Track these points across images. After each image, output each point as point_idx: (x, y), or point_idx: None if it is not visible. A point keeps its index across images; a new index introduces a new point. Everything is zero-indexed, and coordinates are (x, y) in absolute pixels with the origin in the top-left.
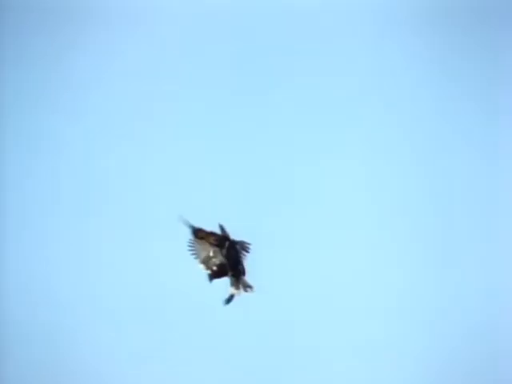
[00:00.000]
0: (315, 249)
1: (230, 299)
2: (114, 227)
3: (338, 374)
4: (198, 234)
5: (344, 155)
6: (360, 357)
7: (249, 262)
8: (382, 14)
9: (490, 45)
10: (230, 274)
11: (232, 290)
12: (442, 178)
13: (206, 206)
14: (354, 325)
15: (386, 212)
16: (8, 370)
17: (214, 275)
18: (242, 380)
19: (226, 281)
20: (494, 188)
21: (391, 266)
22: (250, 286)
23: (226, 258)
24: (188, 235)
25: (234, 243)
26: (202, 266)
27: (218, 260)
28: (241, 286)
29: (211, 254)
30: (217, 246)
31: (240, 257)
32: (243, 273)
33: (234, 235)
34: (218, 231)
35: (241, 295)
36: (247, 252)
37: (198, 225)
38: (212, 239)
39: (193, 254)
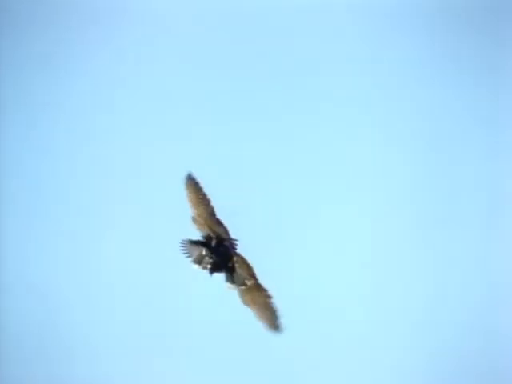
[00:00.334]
0: (315, 249)
1: (212, 269)
2: (114, 227)
3: (339, 374)
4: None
5: (345, 155)
6: (360, 358)
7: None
8: (382, 14)
9: (491, 44)
10: (223, 270)
11: (228, 285)
12: (443, 177)
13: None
14: (355, 324)
15: (387, 212)
16: (3, 370)
17: (213, 270)
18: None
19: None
20: (496, 189)
21: (392, 266)
22: (247, 278)
23: (216, 255)
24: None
25: (222, 240)
26: (196, 266)
27: (210, 258)
28: (236, 280)
29: (204, 252)
30: (206, 244)
31: (230, 253)
32: (234, 268)
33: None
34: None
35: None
36: (235, 249)
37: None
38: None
39: (185, 254)
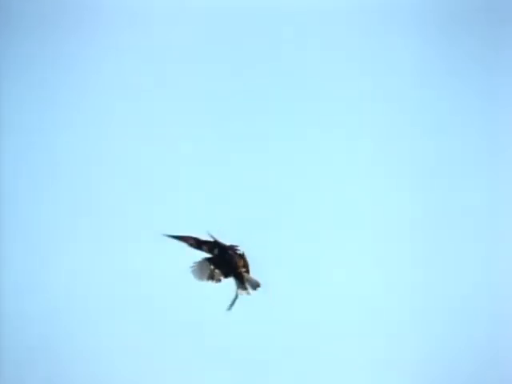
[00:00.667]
0: (316, 248)
1: (233, 303)
2: (112, 228)
3: (340, 375)
4: (189, 241)
5: (346, 155)
6: (363, 361)
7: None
8: (383, 14)
9: (491, 43)
10: (232, 277)
11: (240, 292)
12: (444, 173)
13: (202, 210)
14: (357, 326)
15: (386, 213)
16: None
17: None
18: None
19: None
20: (495, 190)
21: (392, 265)
22: (257, 284)
23: (222, 263)
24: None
25: (224, 248)
26: (210, 282)
27: (220, 270)
28: (247, 285)
29: (212, 267)
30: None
31: (235, 261)
32: (243, 275)
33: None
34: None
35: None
36: (239, 253)
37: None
38: (205, 247)
39: (196, 276)
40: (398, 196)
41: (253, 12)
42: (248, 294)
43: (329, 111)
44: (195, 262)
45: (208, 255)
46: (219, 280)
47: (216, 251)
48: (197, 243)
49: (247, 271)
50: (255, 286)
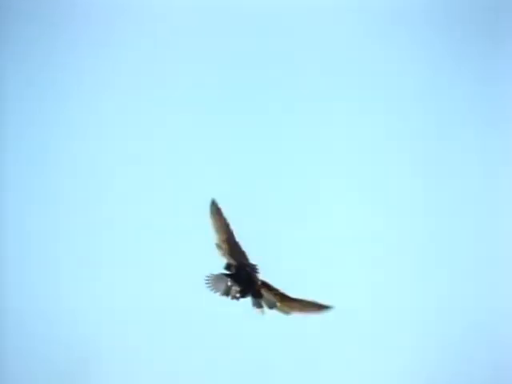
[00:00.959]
0: (317, 245)
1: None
2: (118, 231)
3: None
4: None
5: (345, 152)
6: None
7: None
8: (383, 14)
9: (494, 44)
10: (249, 296)
11: (256, 311)
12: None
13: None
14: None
15: (386, 209)
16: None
17: (240, 298)
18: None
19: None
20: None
21: (392, 262)
22: (275, 303)
23: (238, 281)
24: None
25: (242, 266)
26: (226, 297)
27: (237, 286)
28: (264, 304)
29: (229, 283)
30: (230, 274)
31: (253, 278)
32: (261, 293)
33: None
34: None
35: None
36: (257, 273)
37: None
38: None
39: (212, 290)
40: (399, 192)
41: (253, 12)
42: (262, 313)
43: (329, 107)
44: (211, 274)
45: (226, 271)
46: (235, 297)
47: (233, 269)
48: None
49: (266, 289)
50: (272, 305)
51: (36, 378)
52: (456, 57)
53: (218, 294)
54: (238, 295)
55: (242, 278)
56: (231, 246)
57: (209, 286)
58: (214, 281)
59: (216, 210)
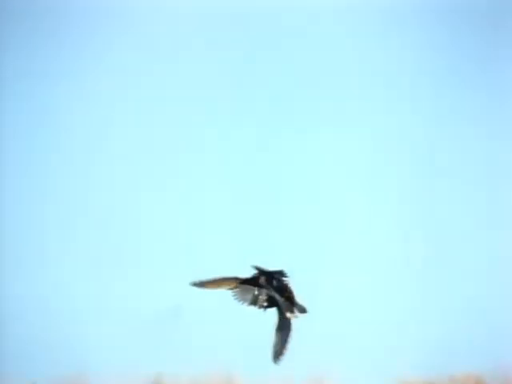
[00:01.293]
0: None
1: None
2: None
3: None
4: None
5: (346, 151)
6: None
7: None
8: (383, 14)
9: (492, 42)
10: (282, 301)
11: (288, 315)
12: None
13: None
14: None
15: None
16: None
17: (269, 307)
18: None
19: None
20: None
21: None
22: (305, 309)
23: (270, 288)
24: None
25: (271, 274)
26: (252, 307)
27: (264, 295)
28: (295, 309)
29: (256, 292)
30: (257, 284)
31: (284, 284)
32: (292, 298)
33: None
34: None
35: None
36: (287, 277)
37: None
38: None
39: (238, 300)
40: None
41: (255, 14)
42: (296, 316)
43: (333, 107)
44: (238, 286)
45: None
46: (262, 307)
47: (263, 280)
48: (243, 282)
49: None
50: (303, 310)
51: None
52: (458, 58)
53: (245, 304)
54: (265, 304)
55: (274, 285)
56: (244, 282)
57: (236, 298)
58: (241, 292)
59: (202, 285)
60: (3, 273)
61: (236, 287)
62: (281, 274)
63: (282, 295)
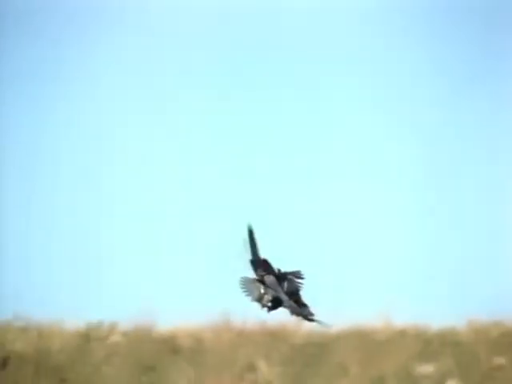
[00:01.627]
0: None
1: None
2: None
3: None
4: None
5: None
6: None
7: None
8: (384, 13)
9: (491, 44)
10: (289, 304)
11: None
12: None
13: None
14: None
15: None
16: None
17: (273, 308)
18: None
19: None
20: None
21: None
22: (311, 315)
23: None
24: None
25: (284, 275)
26: (256, 304)
27: (270, 296)
28: (302, 313)
29: (262, 290)
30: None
31: (295, 286)
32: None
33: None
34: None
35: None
36: (302, 278)
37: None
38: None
39: (245, 292)
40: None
41: (253, 11)
42: (301, 321)
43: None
44: (243, 278)
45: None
46: (265, 306)
47: (271, 280)
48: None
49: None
50: (310, 314)
51: None
52: (459, 53)
53: (250, 298)
54: (269, 304)
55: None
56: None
57: (243, 288)
58: (248, 285)
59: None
60: None
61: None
62: (296, 275)
63: (290, 298)
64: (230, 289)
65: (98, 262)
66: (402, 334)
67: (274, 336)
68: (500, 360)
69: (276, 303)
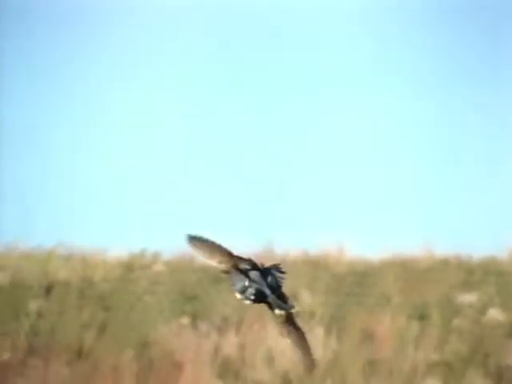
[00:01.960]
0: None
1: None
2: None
3: None
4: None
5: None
6: None
7: None
8: (384, 13)
9: (495, 41)
10: (273, 298)
11: (277, 312)
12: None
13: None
14: None
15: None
16: None
17: (255, 302)
18: None
19: None
20: None
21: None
22: (292, 307)
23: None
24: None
25: (268, 270)
26: (239, 296)
27: (253, 289)
28: (284, 306)
29: (246, 283)
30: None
31: (277, 280)
32: (285, 297)
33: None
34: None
35: None
36: (283, 273)
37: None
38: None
39: (230, 283)
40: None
41: (253, 11)
42: (281, 314)
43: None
44: (232, 270)
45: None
46: (249, 299)
47: (255, 274)
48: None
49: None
50: (291, 307)
51: None
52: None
53: (233, 288)
54: (252, 297)
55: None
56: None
57: (228, 278)
58: (233, 277)
59: (194, 244)
60: None
61: (227, 271)
62: (277, 269)
63: (273, 292)
64: (273, 220)
65: (142, 192)
66: (444, 264)
67: (317, 265)
68: None
69: (259, 297)
